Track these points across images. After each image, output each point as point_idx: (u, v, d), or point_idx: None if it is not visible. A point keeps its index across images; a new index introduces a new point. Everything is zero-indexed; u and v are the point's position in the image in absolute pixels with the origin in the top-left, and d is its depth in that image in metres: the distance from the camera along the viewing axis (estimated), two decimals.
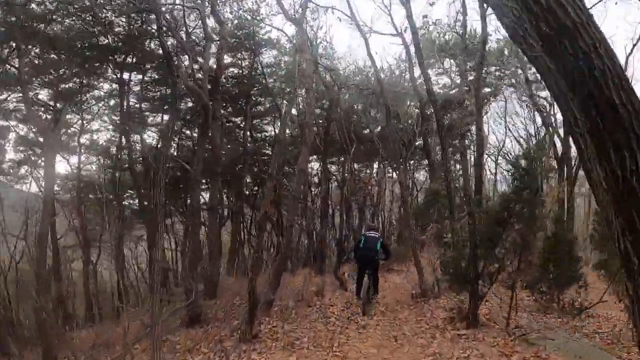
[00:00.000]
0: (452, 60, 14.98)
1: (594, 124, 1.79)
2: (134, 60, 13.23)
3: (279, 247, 8.74)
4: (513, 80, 15.52)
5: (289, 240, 8.63)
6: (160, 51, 10.04)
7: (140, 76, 14.20)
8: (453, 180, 10.11)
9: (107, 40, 12.03)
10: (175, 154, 14.97)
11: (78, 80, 13.85)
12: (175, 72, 7.76)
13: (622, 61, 2.65)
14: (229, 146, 17.20)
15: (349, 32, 49.57)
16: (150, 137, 16.40)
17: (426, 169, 19.25)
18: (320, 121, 14.30)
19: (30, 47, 11.26)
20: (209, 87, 9.81)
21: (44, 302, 8.76)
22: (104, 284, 17.80)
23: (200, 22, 10.63)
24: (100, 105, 15.32)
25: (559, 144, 15.06)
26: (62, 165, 20.50)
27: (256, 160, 16.58)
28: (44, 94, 14.25)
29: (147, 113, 15.68)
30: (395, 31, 10.57)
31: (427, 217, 8.22)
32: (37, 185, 16.39)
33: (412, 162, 18.03)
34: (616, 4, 9.73)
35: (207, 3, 10.47)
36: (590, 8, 2.41)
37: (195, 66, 10.31)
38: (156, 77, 13.92)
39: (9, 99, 13.31)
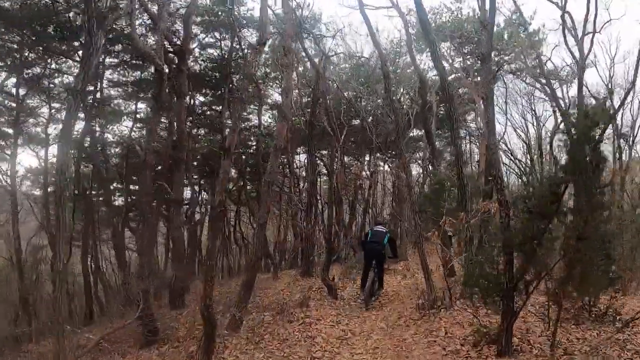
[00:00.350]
0: (447, 44, 14.00)
1: None
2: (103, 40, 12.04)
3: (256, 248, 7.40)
4: (513, 66, 14.58)
5: (260, 242, 7.40)
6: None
7: (111, 59, 13.05)
8: (465, 165, 9.09)
9: (70, 17, 10.89)
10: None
11: (43, 64, 12.75)
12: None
13: None
14: (210, 138, 16.16)
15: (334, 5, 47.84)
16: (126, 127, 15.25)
17: (420, 161, 18.33)
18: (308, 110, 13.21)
19: None
20: (176, 59, 8.66)
21: None
22: (80, 287, 16.54)
23: None
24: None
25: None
26: (31, 159, 19.26)
27: (241, 153, 15.47)
28: (9, 82, 13.15)
29: (120, 100, 14.54)
30: (391, 3, 9.65)
31: (436, 209, 7.12)
32: (2, 180, 15.14)
33: (406, 154, 17.00)
34: None
35: None
36: None
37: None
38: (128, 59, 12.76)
39: None
